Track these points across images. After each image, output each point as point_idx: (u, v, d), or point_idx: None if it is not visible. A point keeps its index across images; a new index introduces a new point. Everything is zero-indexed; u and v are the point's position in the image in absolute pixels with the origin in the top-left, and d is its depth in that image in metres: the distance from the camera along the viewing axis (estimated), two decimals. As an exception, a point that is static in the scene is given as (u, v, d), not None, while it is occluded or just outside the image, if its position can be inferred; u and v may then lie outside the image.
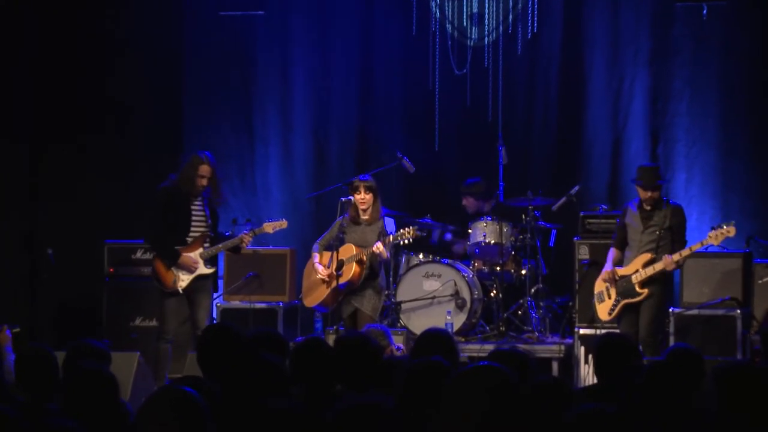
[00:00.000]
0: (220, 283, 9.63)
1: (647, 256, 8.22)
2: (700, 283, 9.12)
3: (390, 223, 8.55)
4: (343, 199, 8.46)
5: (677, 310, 9.05)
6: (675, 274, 9.42)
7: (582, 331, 9.27)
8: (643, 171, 8.36)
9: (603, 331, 8.57)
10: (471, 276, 9.66)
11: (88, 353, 5.14)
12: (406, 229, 8.31)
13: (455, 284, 9.47)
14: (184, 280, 8.27)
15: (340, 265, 8.27)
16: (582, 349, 9.22)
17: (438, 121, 10.78)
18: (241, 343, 4.91)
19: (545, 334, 9.61)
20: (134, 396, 7.22)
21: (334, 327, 8.59)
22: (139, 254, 9.74)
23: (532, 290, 9.81)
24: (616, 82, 10.52)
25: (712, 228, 8.11)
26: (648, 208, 8.28)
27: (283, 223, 8.64)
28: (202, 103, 11.11)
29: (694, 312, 8.99)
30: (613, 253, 8.51)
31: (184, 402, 3.32)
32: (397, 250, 9.66)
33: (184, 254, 8.25)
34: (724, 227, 8.03)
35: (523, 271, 9.89)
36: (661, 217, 8.23)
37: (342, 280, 8.26)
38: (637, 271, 8.23)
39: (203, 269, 8.31)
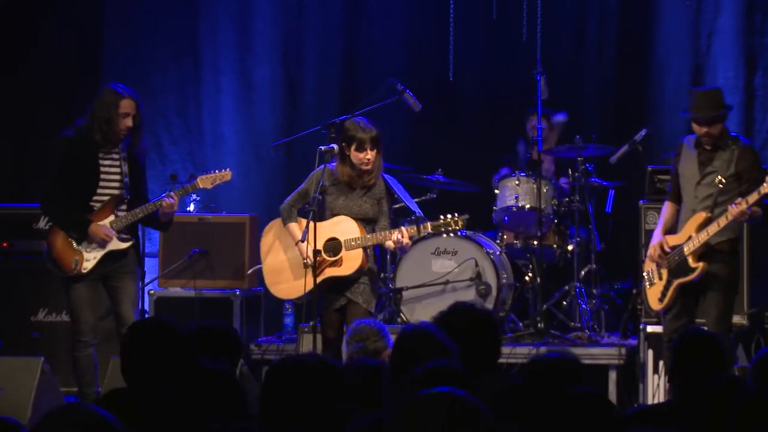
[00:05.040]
0: (154, 263, 9.54)
1: (701, 217, 7.96)
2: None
3: (395, 184, 8.34)
4: (322, 147, 8.34)
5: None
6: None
7: (650, 329, 9.21)
8: (696, 96, 8.10)
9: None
10: (498, 253, 9.68)
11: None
12: (451, 217, 8.01)
13: (476, 264, 9.50)
14: (89, 259, 8.25)
15: (336, 247, 8.04)
16: (650, 352, 9.20)
17: (453, 41, 10.77)
18: (180, 343, 4.88)
19: (600, 333, 9.68)
20: (36, 416, 7.17)
21: (311, 323, 8.49)
22: (42, 223, 9.69)
23: (582, 273, 9.85)
24: (698, -14, 10.48)
25: None
26: (708, 148, 8.05)
27: (226, 175, 8.61)
28: (130, 18, 11.28)
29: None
30: (666, 210, 8.29)
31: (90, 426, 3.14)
32: (396, 215, 9.53)
33: (95, 224, 8.13)
34: None
35: (570, 247, 9.95)
36: (724, 161, 7.98)
37: (341, 272, 8.06)
38: (689, 237, 8.01)
39: (117, 243, 8.25)
